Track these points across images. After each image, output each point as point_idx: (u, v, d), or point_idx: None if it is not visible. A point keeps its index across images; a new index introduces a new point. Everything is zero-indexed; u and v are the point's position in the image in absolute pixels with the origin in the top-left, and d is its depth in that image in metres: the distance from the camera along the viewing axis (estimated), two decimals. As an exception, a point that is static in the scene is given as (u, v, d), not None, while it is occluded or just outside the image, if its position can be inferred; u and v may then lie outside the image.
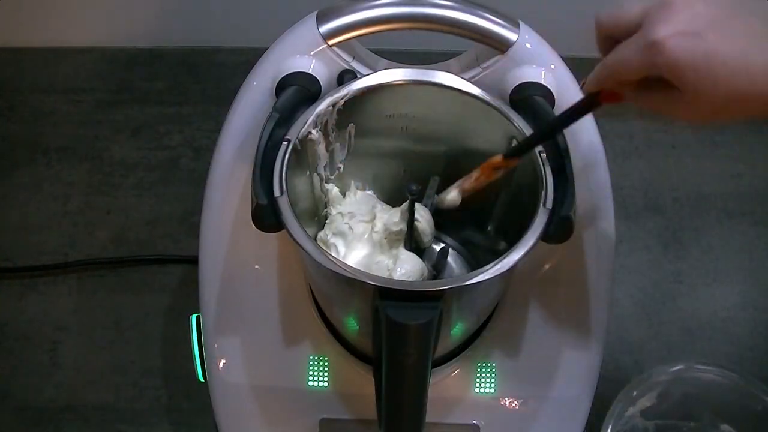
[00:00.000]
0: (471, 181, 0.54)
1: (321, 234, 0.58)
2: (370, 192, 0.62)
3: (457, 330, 0.58)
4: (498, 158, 0.52)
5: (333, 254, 0.51)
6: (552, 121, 0.52)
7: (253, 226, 0.49)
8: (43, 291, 0.82)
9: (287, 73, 0.56)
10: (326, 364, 0.63)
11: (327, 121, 0.55)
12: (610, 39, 0.44)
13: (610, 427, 0.64)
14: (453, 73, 0.55)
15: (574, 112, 0.49)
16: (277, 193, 0.49)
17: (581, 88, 0.46)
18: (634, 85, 0.43)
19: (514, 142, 0.54)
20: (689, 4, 0.40)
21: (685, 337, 0.80)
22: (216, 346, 0.64)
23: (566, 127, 0.50)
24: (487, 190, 0.58)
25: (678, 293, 0.83)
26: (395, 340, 0.47)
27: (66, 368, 0.77)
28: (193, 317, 0.65)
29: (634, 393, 0.66)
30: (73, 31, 0.98)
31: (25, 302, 0.81)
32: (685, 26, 0.39)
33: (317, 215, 0.60)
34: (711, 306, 0.82)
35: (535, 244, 0.48)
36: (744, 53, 0.39)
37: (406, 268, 0.55)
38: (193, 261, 0.73)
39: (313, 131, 0.54)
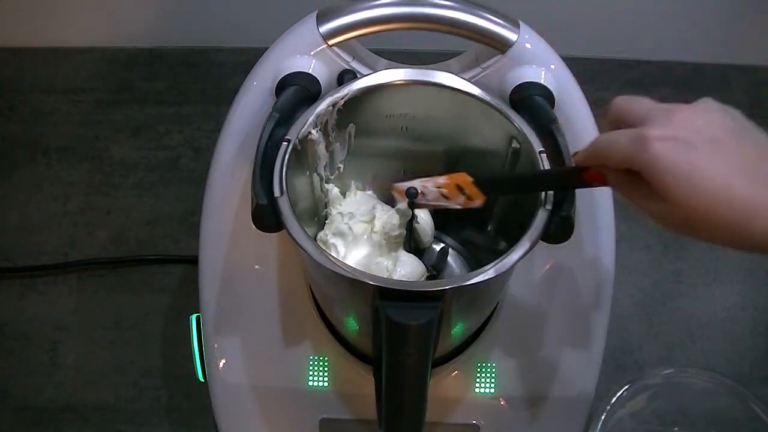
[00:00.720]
0: (432, 185, 0.52)
1: (321, 234, 0.58)
2: (370, 192, 0.62)
3: (457, 330, 0.58)
4: (468, 178, 0.51)
5: (333, 254, 0.51)
6: (534, 175, 0.51)
7: (253, 226, 0.49)
8: (43, 291, 0.82)
9: (287, 73, 0.56)
10: (326, 364, 0.63)
11: (327, 121, 0.55)
12: (616, 124, 0.44)
13: (599, 427, 0.63)
14: (453, 73, 0.55)
15: (560, 180, 0.49)
16: (277, 193, 0.49)
17: (572, 157, 0.46)
18: (619, 173, 0.43)
19: (514, 143, 0.54)
20: (691, 118, 0.40)
21: (685, 337, 0.80)
22: (216, 346, 0.64)
23: (546, 190, 0.49)
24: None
25: (678, 293, 0.83)
26: (395, 340, 0.47)
27: (66, 368, 0.77)
28: (193, 317, 0.65)
29: (625, 394, 0.65)
30: (73, 31, 0.98)
31: (25, 302, 0.81)
32: (678, 134, 0.39)
33: (317, 215, 0.60)
34: (711, 306, 0.82)
35: (535, 244, 0.48)
36: (730, 178, 0.38)
37: (405, 269, 0.55)
38: (193, 261, 0.73)
39: (313, 131, 0.54)
